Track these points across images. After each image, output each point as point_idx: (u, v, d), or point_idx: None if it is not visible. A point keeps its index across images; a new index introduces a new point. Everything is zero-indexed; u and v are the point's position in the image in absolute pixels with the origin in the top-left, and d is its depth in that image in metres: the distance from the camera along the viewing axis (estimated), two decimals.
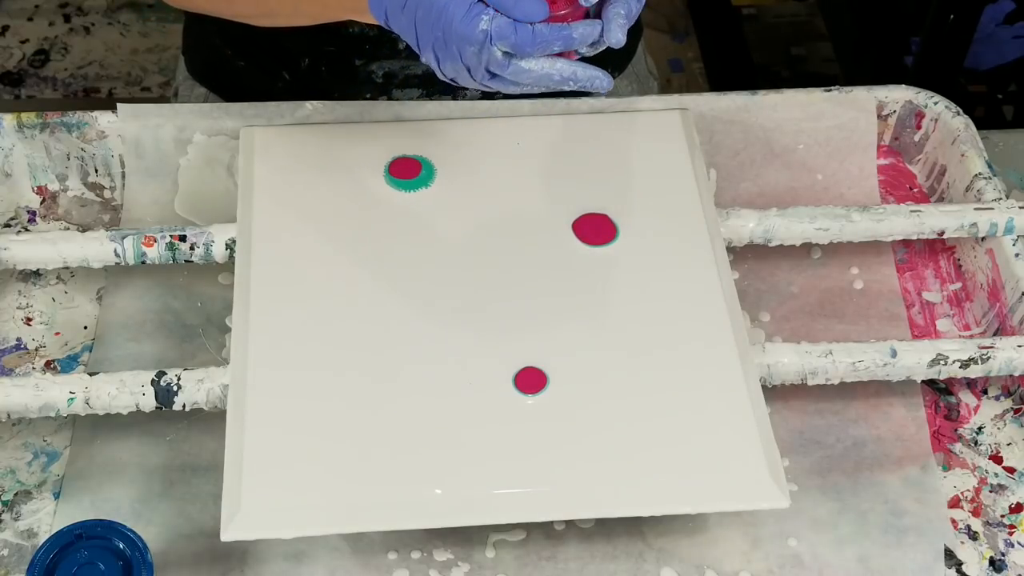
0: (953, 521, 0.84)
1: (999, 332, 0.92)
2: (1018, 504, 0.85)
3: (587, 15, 0.75)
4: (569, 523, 0.82)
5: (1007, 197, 0.96)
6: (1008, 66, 1.92)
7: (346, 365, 0.81)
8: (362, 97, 1.00)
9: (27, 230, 0.97)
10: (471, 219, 0.89)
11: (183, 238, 0.89)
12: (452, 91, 1.01)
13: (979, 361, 0.86)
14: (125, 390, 0.81)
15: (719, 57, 2.17)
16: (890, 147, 1.05)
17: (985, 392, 0.91)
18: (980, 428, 0.89)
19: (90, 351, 0.90)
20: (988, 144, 1.01)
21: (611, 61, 1.12)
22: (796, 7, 2.26)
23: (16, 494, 0.83)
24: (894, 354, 0.85)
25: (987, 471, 0.87)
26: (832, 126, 1.01)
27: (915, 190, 1.04)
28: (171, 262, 0.90)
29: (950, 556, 0.82)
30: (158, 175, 0.98)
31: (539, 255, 0.87)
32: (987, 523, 0.84)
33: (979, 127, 1.01)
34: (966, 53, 1.70)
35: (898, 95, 1.02)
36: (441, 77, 0.77)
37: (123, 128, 0.97)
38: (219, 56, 1.06)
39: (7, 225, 0.98)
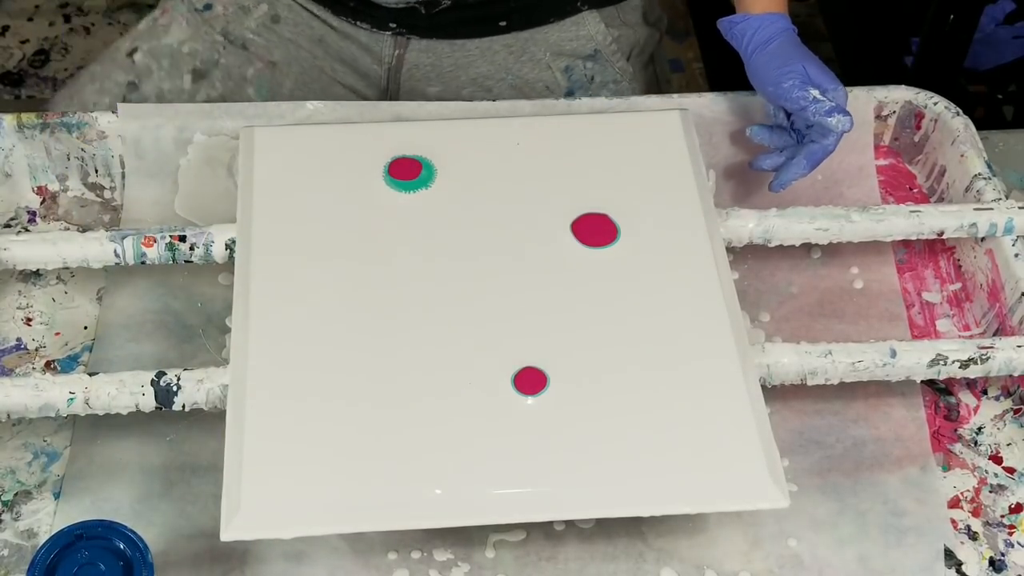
0: (953, 521, 0.84)
1: (999, 332, 0.92)
2: (1018, 504, 0.85)
3: None
4: (569, 523, 0.82)
5: (1007, 197, 0.96)
6: (1008, 66, 1.92)
7: (346, 365, 0.81)
8: None
9: (27, 230, 0.97)
10: (471, 219, 0.89)
11: (183, 238, 0.89)
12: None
13: (979, 361, 0.86)
14: (125, 390, 0.81)
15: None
16: (890, 147, 1.05)
17: (985, 392, 0.91)
18: (980, 428, 0.89)
19: (90, 351, 0.90)
20: (988, 144, 1.01)
21: None
22: (796, 7, 2.24)
23: (16, 494, 0.83)
24: (894, 354, 0.85)
25: (987, 471, 0.87)
26: None
27: (915, 190, 1.04)
28: (171, 262, 0.90)
29: (950, 556, 0.82)
30: (158, 175, 0.98)
31: (539, 255, 0.87)
32: (987, 523, 0.84)
33: (979, 127, 1.01)
34: (966, 53, 1.70)
35: (898, 95, 1.03)
36: None
37: (123, 128, 0.97)
38: None
39: (7, 225, 0.98)
